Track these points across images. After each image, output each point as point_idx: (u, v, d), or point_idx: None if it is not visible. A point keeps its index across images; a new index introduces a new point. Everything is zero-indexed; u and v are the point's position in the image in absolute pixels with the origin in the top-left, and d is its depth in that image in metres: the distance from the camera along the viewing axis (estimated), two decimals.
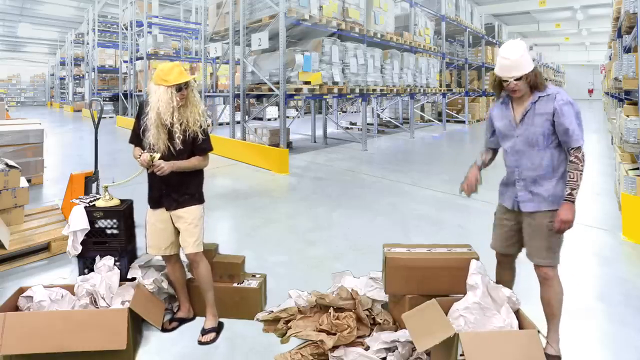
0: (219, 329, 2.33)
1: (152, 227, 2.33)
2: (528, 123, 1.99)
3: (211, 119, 11.18)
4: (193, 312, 2.46)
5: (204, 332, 2.28)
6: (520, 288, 2.64)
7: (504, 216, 2.15)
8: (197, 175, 2.37)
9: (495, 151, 2.37)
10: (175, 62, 2.30)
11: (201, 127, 2.27)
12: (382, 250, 2.29)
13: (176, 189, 2.28)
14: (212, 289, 2.36)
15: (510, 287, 2.15)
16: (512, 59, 1.92)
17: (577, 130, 1.90)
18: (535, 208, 2.00)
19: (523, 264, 3.20)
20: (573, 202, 1.90)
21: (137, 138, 2.31)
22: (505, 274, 2.23)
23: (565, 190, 1.92)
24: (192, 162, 2.27)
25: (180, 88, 2.18)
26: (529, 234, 2.04)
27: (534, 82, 1.95)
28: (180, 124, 2.22)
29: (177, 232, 2.33)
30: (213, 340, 2.24)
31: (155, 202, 2.33)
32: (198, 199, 2.35)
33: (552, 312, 2.04)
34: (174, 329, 2.35)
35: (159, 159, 2.20)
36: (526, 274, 3.03)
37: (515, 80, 1.94)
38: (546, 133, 1.95)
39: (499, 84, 2.03)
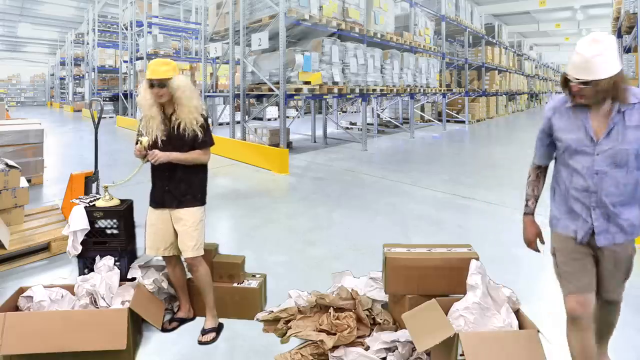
0: (218, 329, 2.33)
1: (151, 228, 2.33)
2: (616, 139, 1.57)
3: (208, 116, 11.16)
4: (193, 313, 2.46)
5: (204, 332, 2.29)
6: (521, 288, 2.64)
7: (577, 249, 1.70)
8: (200, 173, 2.35)
9: (545, 169, 1.94)
10: (162, 59, 2.27)
11: (197, 122, 2.25)
12: (382, 250, 2.29)
13: (178, 186, 2.27)
14: (212, 292, 2.36)
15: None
16: (586, 56, 1.50)
17: None
18: (623, 239, 1.64)
19: (523, 263, 3.21)
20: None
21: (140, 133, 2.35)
22: (588, 337, 1.74)
23: None
24: (192, 154, 2.26)
25: (152, 85, 2.17)
26: (610, 269, 1.69)
27: (613, 93, 1.53)
28: (172, 121, 2.23)
29: (177, 233, 2.32)
30: (213, 340, 2.25)
31: (157, 200, 2.32)
32: (200, 200, 2.34)
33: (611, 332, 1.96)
34: (174, 329, 2.35)
35: (148, 145, 2.21)
36: (526, 273, 3.04)
37: (580, 83, 1.53)
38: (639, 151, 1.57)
39: (565, 82, 1.63)
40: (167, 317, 2.44)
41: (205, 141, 2.28)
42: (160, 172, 2.28)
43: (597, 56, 1.48)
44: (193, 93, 2.27)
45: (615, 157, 1.58)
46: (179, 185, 2.27)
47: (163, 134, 2.23)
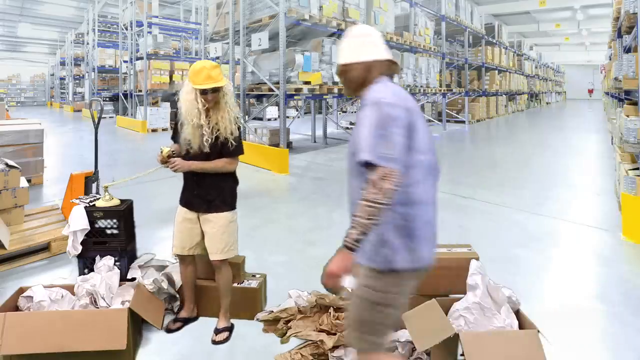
0: (231, 328, 2.33)
1: (179, 226, 2.30)
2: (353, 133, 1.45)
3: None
4: (197, 312, 2.45)
5: (218, 331, 2.28)
6: (520, 288, 2.64)
7: None
8: (229, 181, 2.33)
9: None
10: (209, 62, 2.16)
11: (232, 134, 2.21)
12: None
13: (207, 192, 2.24)
14: (229, 296, 2.35)
15: None
16: None
17: (367, 139, 1.29)
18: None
19: (523, 263, 3.21)
20: (349, 248, 1.27)
21: (175, 134, 2.31)
22: None
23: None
24: (216, 163, 2.21)
25: (206, 92, 2.13)
26: None
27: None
28: (211, 129, 2.18)
29: (204, 235, 2.29)
30: (226, 340, 2.24)
31: (186, 201, 2.31)
32: (230, 204, 2.31)
33: None
34: (178, 328, 2.34)
35: (174, 155, 2.20)
36: (526, 273, 3.04)
37: None
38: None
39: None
40: (170, 317, 2.44)
41: (233, 151, 2.24)
42: (189, 175, 2.27)
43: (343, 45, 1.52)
44: (234, 100, 2.26)
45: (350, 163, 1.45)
46: (209, 191, 2.25)
47: (204, 142, 2.18)
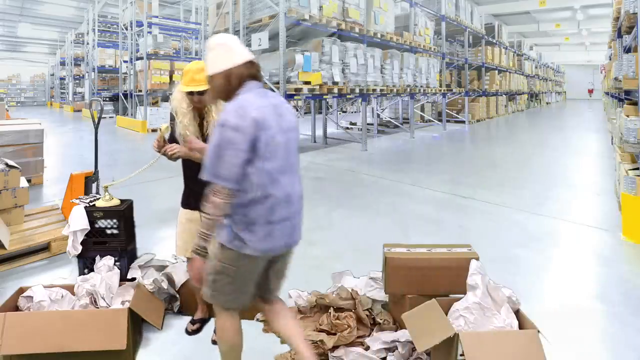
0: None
1: (181, 227, 2.28)
2: None
3: None
4: (209, 313, 2.44)
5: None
6: (520, 288, 2.64)
7: None
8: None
9: None
10: (197, 64, 2.12)
11: None
12: (382, 250, 2.29)
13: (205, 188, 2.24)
14: None
15: None
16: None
17: (208, 159, 1.51)
18: None
19: (523, 263, 3.21)
20: (197, 254, 1.55)
21: (173, 134, 2.30)
22: None
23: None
24: None
25: (192, 93, 2.13)
26: None
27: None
28: (203, 129, 2.19)
29: None
30: (197, 331, 2.27)
31: (187, 202, 2.29)
32: None
33: None
34: (197, 330, 2.33)
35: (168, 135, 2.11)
36: (526, 273, 3.04)
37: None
38: None
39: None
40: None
41: None
42: (189, 174, 2.24)
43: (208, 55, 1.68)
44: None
45: None
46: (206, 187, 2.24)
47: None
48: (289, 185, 1.65)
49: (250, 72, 1.64)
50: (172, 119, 2.28)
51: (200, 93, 2.13)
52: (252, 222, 1.56)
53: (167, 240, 3.51)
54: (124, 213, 2.57)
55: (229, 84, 1.62)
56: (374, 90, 9.33)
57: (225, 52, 1.63)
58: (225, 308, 1.67)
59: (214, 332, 2.28)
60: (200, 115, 2.20)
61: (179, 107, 2.16)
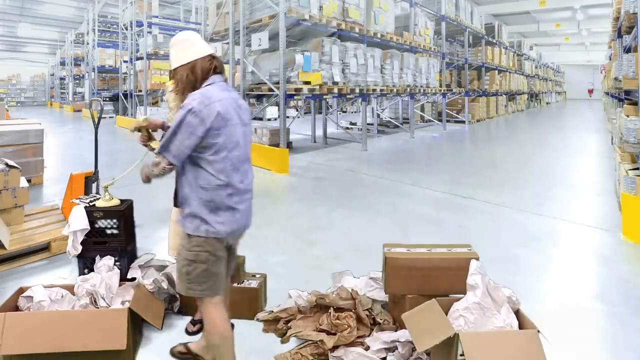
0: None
1: (173, 225, 2.31)
2: None
3: None
4: None
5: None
6: (520, 288, 2.64)
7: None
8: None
9: None
10: None
11: None
12: (382, 250, 2.29)
13: None
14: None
15: None
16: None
17: (166, 134, 1.66)
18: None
19: (523, 263, 3.21)
20: (147, 176, 1.74)
21: None
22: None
23: None
24: None
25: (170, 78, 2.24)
26: None
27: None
28: None
29: None
30: (198, 332, 2.27)
31: (174, 199, 2.26)
32: None
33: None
34: (197, 331, 2.32)
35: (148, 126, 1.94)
36: (526, 273, 3.04)
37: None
38: None
39: None
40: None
41: None
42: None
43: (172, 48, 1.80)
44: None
45: None
46: None
47: None
48: (247, 173, 1.81)
49: (213, 65, 1.76)
50: None
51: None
52: (217, 207, 1.70)
53: (167, 240, 3.50)
54: (124, 213, 2.57)
55: (194, 76, 1.73)
56: (374, 90, 9.33)
57: (189, 47, 1.76)
58: (205, 298, 1.75)
59: (190, 322, 2.29)
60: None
61: (169, 102, 2.28)
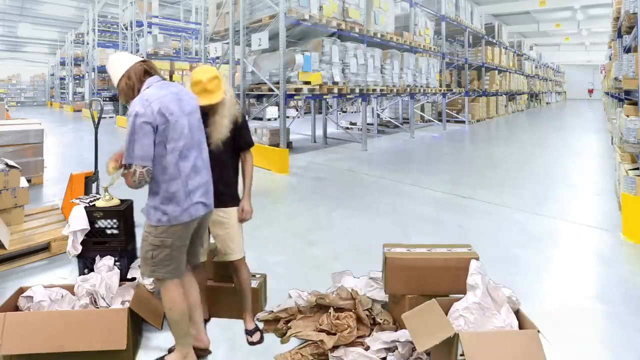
0: (260, 328, 2.31)
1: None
2: None
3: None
4: (208, 314, 2.43)
5: (251, 332, 2.26)
6: (520, 288, 2.64)
7: None
8: (236, 173, 2.34)
9: None
10: (207, 72, 2.13)
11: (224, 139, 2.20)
12: (382, 250, 2.29)
13: (215, 186, 2.14)
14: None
15: None
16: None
17: (125, 145, 1.79)
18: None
19: (523, 263, 3.21)
20: (125, 166, 1.85)
21: None
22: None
23: None
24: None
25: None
26: None
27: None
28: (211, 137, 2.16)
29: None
30: (261, 340, 2.22)
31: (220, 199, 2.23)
32: (237, 198, 2.30)
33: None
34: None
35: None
36: (526, 273, 3.04)
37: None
38: None
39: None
40: None
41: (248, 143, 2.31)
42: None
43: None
44: (234, 107, 2.22)
45: None
46: (217, 185, 2.16)
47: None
48: (197, 159, 1.94)
49: (145, 68, 1.92)
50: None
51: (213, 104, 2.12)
52: (173, 196, 1.86)
53: None
54: (124, 213, 2.57)
55: (131, 82, 1.89)
56: (374, 90, 9.33)
57: (121, 60, 1.94)
58: (168, 279, 1.92)
59: (249, 334, 2.25)
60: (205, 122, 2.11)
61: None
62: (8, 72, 31.39)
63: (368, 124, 11.22)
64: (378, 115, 13.54)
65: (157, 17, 15.51)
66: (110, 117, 17.31)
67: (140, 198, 2.73)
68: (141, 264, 1.94)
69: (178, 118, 1.85)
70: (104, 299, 2.26)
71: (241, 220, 2.27)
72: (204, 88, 2.10)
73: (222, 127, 2.15)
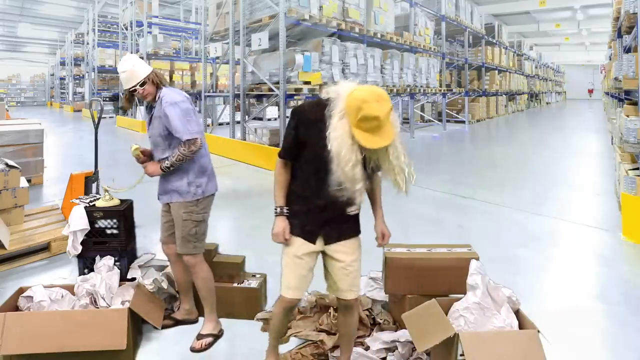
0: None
1: (299, 264, 1.90)
2: (150, 127, 2.29)
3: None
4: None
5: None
6: (520, 288, 2.64)
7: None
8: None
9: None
10: (382, 104, 1.44)
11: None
12: (382, 250, 2.29)
13: (342, 215, 1.87)
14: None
15: None
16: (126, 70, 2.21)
17: (180, 125, 2.12)
18: (169, 200, 2.25)
19: (523, 263, 3.21)
20: (162, 170, 2.18)
21: (294, 150, 1.80)
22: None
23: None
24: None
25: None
26: (175, 220, 2.25)
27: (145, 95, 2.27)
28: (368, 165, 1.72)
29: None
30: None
31: (309, 230, 1.90)
32: (359, 224, 1.98)
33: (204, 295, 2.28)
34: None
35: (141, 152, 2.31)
36: (526, 273, 3.04)
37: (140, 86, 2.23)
38: (163, 134, 2.22)
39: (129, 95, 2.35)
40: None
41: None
42: (314, 173, 1.87)
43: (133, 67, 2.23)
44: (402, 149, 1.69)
45: (152, 141, 2.29)
46: (343, 213, 1.91)
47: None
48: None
49: (158, 77, 2.30)
50: (304, 121, 1.72)
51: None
52: (204, 170, 2.25)
53: None
54: (124, 213, 2.57)
55: (152, 84, 2.24)
56: None
57: (140, 65, 2.24)
58: (200, 253, 2.23)
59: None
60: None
61: (346, 152, 1.55)
62: (8, 72, 31.39)
63: None
64: None
65: (157, 17, 15.49)
66: (110, 117, 17.31)
67: (140, 198, 2.73)
68: (181, 245, 2.18)
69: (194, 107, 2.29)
70: (104, 299, 2.26)
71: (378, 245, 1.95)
72: (379, 125, 1.47)
73: (401, 165, 1.72)
